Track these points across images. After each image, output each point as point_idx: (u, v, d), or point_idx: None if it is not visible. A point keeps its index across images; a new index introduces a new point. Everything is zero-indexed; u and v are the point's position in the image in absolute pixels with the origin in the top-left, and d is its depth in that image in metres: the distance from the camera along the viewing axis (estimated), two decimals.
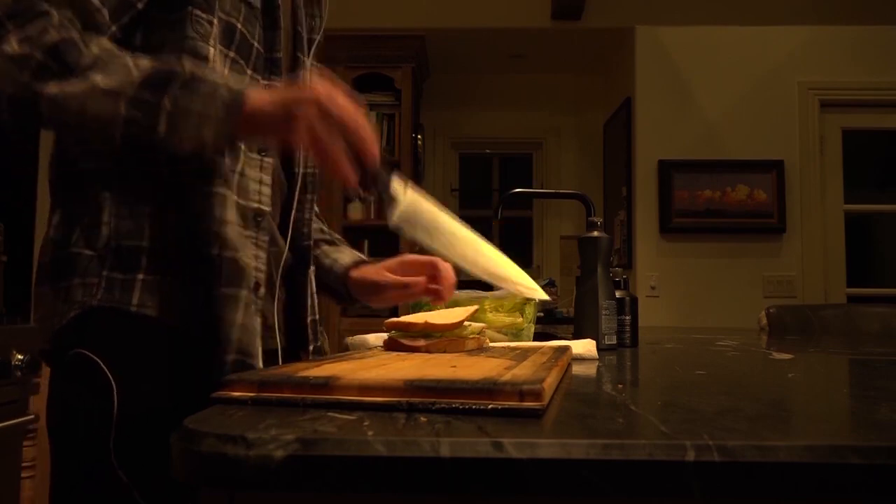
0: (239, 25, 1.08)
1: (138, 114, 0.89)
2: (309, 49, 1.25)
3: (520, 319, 1.43)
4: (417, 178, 5.23)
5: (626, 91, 4.86)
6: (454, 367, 0.82)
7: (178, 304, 0.99)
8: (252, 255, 1.06)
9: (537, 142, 5.91)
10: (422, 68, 5.24)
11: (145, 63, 0.92)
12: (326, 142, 0.93)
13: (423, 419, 0.60)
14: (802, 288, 4.49)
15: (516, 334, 1.42)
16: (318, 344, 1.24)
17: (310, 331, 1.22)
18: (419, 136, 5.11)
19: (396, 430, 0.56)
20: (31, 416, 2.78)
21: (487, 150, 5.94)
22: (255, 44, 1.11)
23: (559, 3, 4.57)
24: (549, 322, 4.41)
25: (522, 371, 0.77)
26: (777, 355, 1.51)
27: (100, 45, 0.92)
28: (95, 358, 0.96)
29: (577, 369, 1.08)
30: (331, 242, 1.39)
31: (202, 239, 1.00)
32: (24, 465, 2.77)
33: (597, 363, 1.19)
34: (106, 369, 0.96)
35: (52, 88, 0.88)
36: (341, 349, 1.37)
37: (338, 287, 1.32)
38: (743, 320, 4.00)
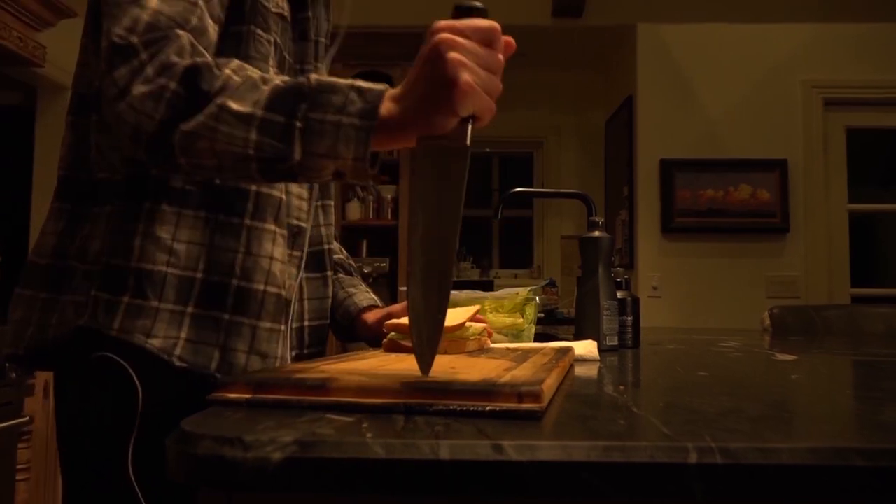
0: (279, 39, 1.10)
1: (272, 139, 0.83)
2: (325, 52, 1.25)
3: (520, 320, 1.43)
4: None
5: (627, 89, 4.87)
6: (453, 368, 0.82)
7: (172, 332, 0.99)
8: (290, 283, 1.10)
9: (538, 141, 5.91)
10: None
11: (274, 80, 0.86)
12: (494, 80, 0.81)
13: (422, 421, 0.60)
14: (806, 288, 4.49)
15: (517, 335, 1.42)
16: (304, 352, 1.22)
17: (294, 337, 1.19)
18: None
19: (395, 432, 0.56)
20: (26, 419, 2.78)
21: (487, 149, 5.94)
22: (288, 57, 1.12)
23: (560, 1, 4.57)
24: (549, 323, 4.41)
25: (522, 372, 0.77)
26: (780, 356, 1.51)
27: (231, 66, 0.87)
28: (121, 361, 0.96)
29: (578, 370, 1.08)
30: (348, 272, 1.40)
31: (243, 272, 1.03)
32: (18, 467, 2.76)
33: (598, 364, 1.19)
34: (133, 373, 0.96)
35: (187, 124, 0.84)
36: (339, 351, 1.37)
37: (344, 323, 1.33)
38: (746, 321, 4.00)
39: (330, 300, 1.27)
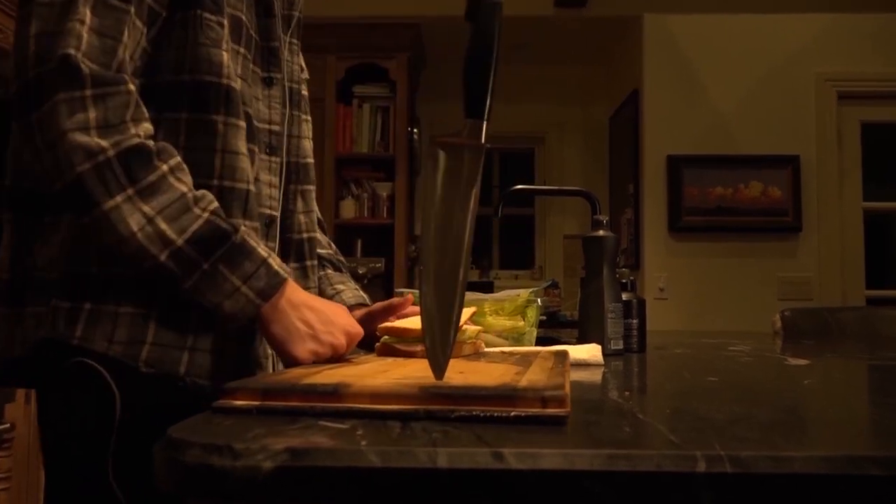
0: (243, 17, 1.09)
1: (175, 266, 0.93)
2: (288, 27, 1.23)
3: (521, 323, 1.43)
4: (414, 174, 5.23)
5: (633, 83, 4.87)
6: (462, 372, 0.82)
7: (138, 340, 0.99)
8: None
9: (539, 136, 5.91)
10: (418, 58, 5.24)
11: (201, 212, 0.95)
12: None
13: (418, 428, 0.60)
14: (819, 289, 4.49)
15: (517, 338, 1.42)
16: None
17: None
18: (415, 130, 5.10)
19: (391, 439, 0.56)
20: (7, 426, 2.78)
21: (487, 145, 5.92)
22: (254, 34, 1.12)
23: None
24: (551, 326, 4.41)
25: (536, 376, 0.77)
26: (792, 361, 1.52)
27: (169, 164, 0.95)
28: (98, 367, 0.96)
29: (581, 375, 1.08)
30: (336, 268, 1.41)
31: None
32: None
33: (602, 369, 1.19)
34: (110, 379, 0.96)
35: (111, 203, 0.90)
36: None
37: None
38: (756, 324, 4.00)
39: (312, 291, 1.26)
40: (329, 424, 0.61)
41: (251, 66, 1.11)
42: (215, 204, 0.98)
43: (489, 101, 0.81)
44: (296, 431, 0.58)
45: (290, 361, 1.00)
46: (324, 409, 0.65)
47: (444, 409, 0.63)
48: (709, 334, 2.66)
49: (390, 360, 1.01)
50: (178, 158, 0.96)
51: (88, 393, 0.97)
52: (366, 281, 4.85)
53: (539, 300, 1.49)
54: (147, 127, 0.95)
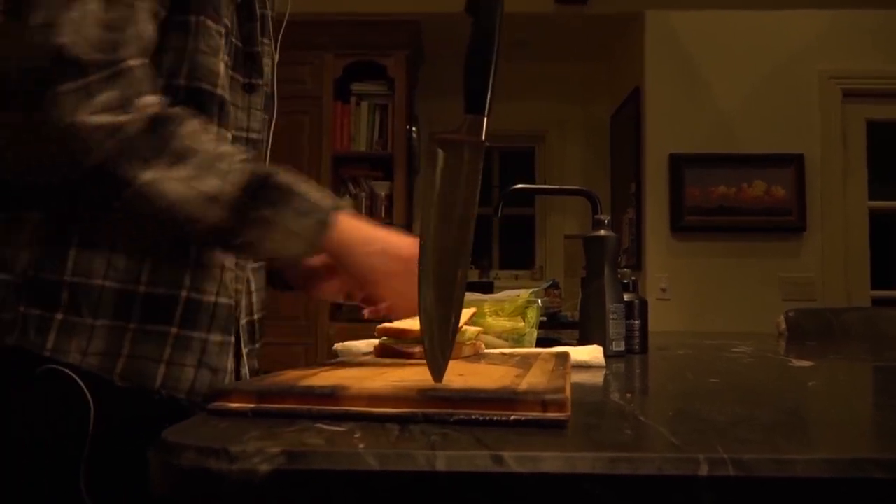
0: (228, 22, 1.07)
1: (226, 221, 0.91)
2: (263, 28, 1.20)
3: (521, 324, 1.43)
4: (412, 172, 5.23)
5: (634, 80, 4.87)
6: (461, 375, 0.82)
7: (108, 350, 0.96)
8: (238, 288, 1.10)
9: (540, 135, 5.91)
10: (417, 55, 5.24)
11: (240, 164, 0.93)
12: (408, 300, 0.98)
13: (417, 431, 0.60)
14: (823, 290, 4.49)
15: (518, 340, 1.42)
16: (256, 346, 1.20)
17: (245, 333, 1.17)
18: (414, 129, 5.10)
19: (389, 442, 0.56)
20: None
21: (487, 144, 5.93)
22: (235, 40, 1.11)
23: None
24: (552, 327, 4.41)
25: (536, 379, 0.77)
26: (796, 362, 1.52)
27: (190, 127, 0.92)
28: (71, 374, 0.93)
29: (582, 377, 1.08)
30: None
31: (193, 282, 1.01)
32: None
33: (604, 371, 1.19)
34: (84, 387, 0.93)
35: (147, 177, 0.87)
36: (330, 356, 1.37)
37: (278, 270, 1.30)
38: (759, 325, 4.01)
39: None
40: (326, 427, 0.61)
41: (230, 72, 1.09)
42: (244, 154, 0.96)
43: (490, 97, 0.81)
44: (292, 434, 0.58)
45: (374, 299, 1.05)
46: (321, 412, 0.65)
47: (442, 412, 0.63)
48: (711, 335, 2.66)
49: (387, 361, 1.01)
50: (198, 120, 0.94)
51: (60, 402, 0.94)
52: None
53: (539, 301, 1.49)
54: (160, 98, 0.92)
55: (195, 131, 0.92)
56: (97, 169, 0.86)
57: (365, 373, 0.84)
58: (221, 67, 1.03)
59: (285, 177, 0.95)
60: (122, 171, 0.86)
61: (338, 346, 1.31)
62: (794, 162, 4.52)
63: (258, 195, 0.92)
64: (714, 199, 4.53)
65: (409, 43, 4.92)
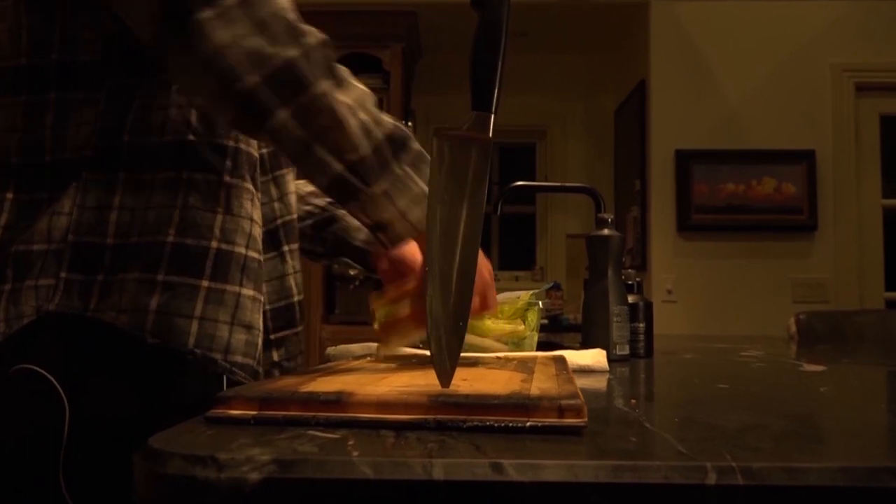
0: None
1: (373, 165, 0.91)
2: None
3: (521, 327, 1.43)
4: None
5: (639, 73, 4.87)
6: (465, 379, 0.82)
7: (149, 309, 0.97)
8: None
9: (541, 130, 5.92)
10: (413, 48, 5.24)
11: (380, 111, 0.95)
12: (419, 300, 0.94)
13: (413, 438, 0.60)
14: (835, 292, 4.50)
15: (517, 343, 1.42)
16: (271, 337, 1.21)
17: (297, 312, 1.21)
18: (410, 123, 5.11)
19: (384, 449, 0.56)
20: None
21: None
22: None
23: None
24: (554, 330, 4.41)
25: (545, 384, 0.77)
26: (807, 367, 1.52)
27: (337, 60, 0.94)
28: (45, 373, 0.93)
29: (585, 382, 1.08)
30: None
31: (223, 233, 1.02)
32: None
33: (607, 375, 1.20)
34: (59, 386, 0.93)
35: (322, 88, 0.88)
36: (322, 360, 1.37)
37: (355, 255, 1.35)
38: (769, 327, 4.01)
39: (292, 276, 1.25)
40: (319, 434, 0.61)
41: None
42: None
43: (497, 93, 0.81)
44: (284, 441, 0.58)
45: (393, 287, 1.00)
46: (327, 419, 0.65)
47: (455, 418, 0.63)
48: (719, 339, 2.66)
49: (383, 366, 1.01)
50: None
51: (35, 400, 0.94)
52: (358, 283, 4.85)
53: (540, 303, 1.49)
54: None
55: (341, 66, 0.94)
56: (283, 69, 0.87)
57: (365, 378, 0.84)
58: None
59: (418, 145, 0.96)
60: (304, 76, 0.87)
61: (331, 349, 1.31)
62: (806, 158, 4.52)
63: (400, 149, 0.94)
64: (722, 196, 4.54)
65: (405, 35, 4.92)
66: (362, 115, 0.91)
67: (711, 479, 0.51)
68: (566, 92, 5.80)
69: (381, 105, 0.95)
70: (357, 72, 1.40)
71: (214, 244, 1.01)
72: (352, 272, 1.20)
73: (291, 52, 0.88)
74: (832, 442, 0.71)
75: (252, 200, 1.08)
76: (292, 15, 0.92)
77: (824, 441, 0.71)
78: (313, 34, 0.92)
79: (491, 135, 0.81)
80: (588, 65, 5.77)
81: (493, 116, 0.81)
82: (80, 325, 0.95)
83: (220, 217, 1.02)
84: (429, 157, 0.93)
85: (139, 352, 0.96)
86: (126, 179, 0.98)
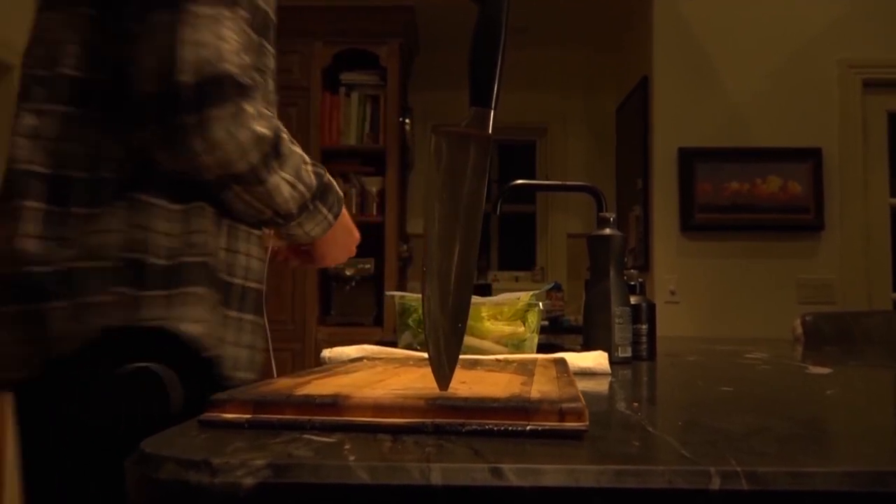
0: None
1: (297, 213, 1.20)
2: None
3: (521, 329, 1.43)
4: (405, 168, 5.23)
5: (641, 70, 4.87)
6: (464, 382, 0.82)
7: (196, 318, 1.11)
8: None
9: (541, 127, 5.91)
10: (410, 44, 5.24)
11: (312, 169, 1.22)
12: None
13: (410, 442, 0.60)
14: (842, 292, 4.50)
15: (517, 345, 1.42)
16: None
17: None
18: (407, 121, 5.11)
19: (381, 454, 0.56)
20: None
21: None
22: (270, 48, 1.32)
23: None
24: (554, 331, 4.41)
25: (545, 387, 0.77)
26: (813, 369, 1.52)
27: (288, 134, 1.17)
28: (156, 370, 1.06)
29: (586, 385, 1.08)
30: None
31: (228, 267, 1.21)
32: None
33: (609, 378, 1.20)
34: (165, 384, 1.06)
35: (273, 178, 1.12)
36: (317, 362, 1.37)
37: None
38: (774, 329, 4.02)
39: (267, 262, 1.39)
40: (315, 438, 0.61)
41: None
42: (309, 160, 1.22)
43: (497, 89, 0.81)
44: (279, 445, 0.58)
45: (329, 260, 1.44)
46: (323, 423, 0.65)
47: (453, 422, 0.63)
48: (723, 341, 2.66)
49: (380, 368, 1.01)
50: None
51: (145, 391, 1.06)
52: (354, 283, 4.85)
53: (540, 304, 1.49)
54: (271, 110, 1.19)
55: (290, 137, 1.17)
56: (249, 169, 1.07)
57: (361, 380, 0.84)
58: (271, 84, 1.28)
59: (329, 179, 1.27)
60: (261, 173, 1.09)
61: (326, 352, 1.31)
62: (812, 156, 4.52)
63: (318, 192, 1.22)
64: (726, 195, 4.54)
65: (403, 31, 4.92)
66: (299, 187, 1.17)
67: (715, 483, 0.52)
68: (567, 88, 5.80)
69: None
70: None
71: (238, 281, 1.21)
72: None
73: (258, 153, 1.08)
74: (838, 446, 0.71)
75: (248, 237, 1.26)
76: (261, 103, 1.10)
77: (830, 445, 0.71)
78: (272, 121, 1.12)
79: (490, 131, 0.81)
80: (589, 60, 5.77)
81: (492, 113, 0.81)
82: (145, 335, 1.07)
83: (222, 253, 1.19)
84: (341, 193, 1.32)
85: (190, 359, 1.10)
86: (169, 204, 1.11)
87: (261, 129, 1.06)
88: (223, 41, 1.02)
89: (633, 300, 1.53)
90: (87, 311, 1.04)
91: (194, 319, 1.09)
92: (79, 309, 1.04)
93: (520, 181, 2.00)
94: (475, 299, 1.47)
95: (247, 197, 1.11)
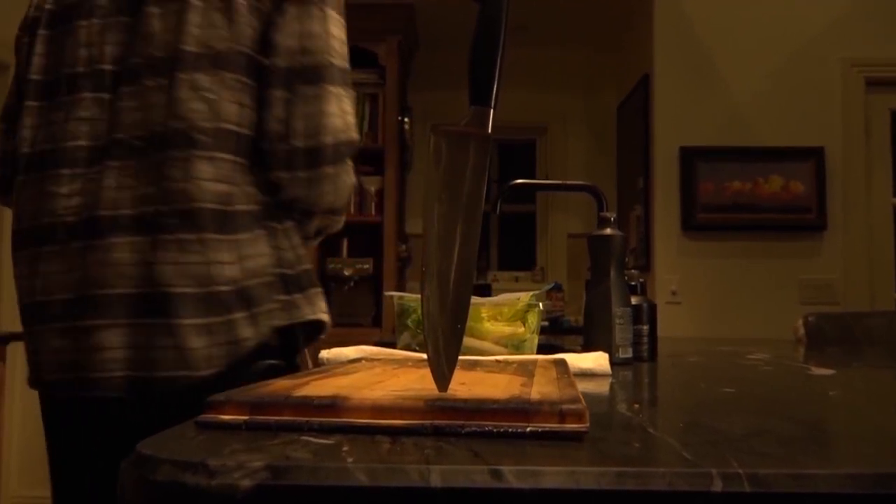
0: None
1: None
2: None
3: (521, 329, 1.43)
4: (404, 167, 5.23)
5: (642, 68, 4.87)
6: (463, 383, 0.82)
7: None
8: None
9: (541, 126, 5.92)
10: (410, 42, 5.24)
11: None
12: None
13: (409, 444, 0.60)
14: (845, 293, 4.50)
15: (517, 346, 1.42)
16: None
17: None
18: (406, 120, 5.11)
19: (380, 456, 0.56)
20: None
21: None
22: None
23: None
24: (554, 332, 4.41)
25: (545, 388, 0.77)
26: (816, 370, 1.52)
27: None
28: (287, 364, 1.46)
29: (587, 386, 1.08)
30: None
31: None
32: None
33: (609, 379, 1.20)
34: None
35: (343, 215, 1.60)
36: (316, 364, 1.37)
37: None
38: (776, 330, 4.02)
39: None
40: (313, 440, 0.61)
41: None
42: None
43: (497, 88, 0.82)
44: (276, 447, 0.58)
45: None
46: (321, 424, 0.65)
47: (452, 423, 0.63)
48: (725, 341, 2.66)
49: (378, 369, 1.01)
50: None
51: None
52: (352, 283, 4.85)
53: (541, 304, 1.49)
54: None
55: None
56: (343, 206, 1.52)
57: (360, 381, 0.84)
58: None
59: None
60: (343, 210, 1.55)
61: (324, 353, 1.31)
62: (814, 155, 4.52)
63: None
64: (728, 195, 4.54)
65: (402, 28, 4.92)
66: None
67: (717, 485, 0.52)
68: (567, 87, 5.80)
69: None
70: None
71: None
72: None
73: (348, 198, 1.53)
74: (841, 447, 0.71)
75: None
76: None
77: (833, 446, 0.71)
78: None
79: (490, 131, 0.81)
80: (590, 59, 5.77)
81: (492, 111, 0.81)
82: (301, 328, 1.47)
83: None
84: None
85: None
86: (282, 227, 1.46)
87: (354, 179, 1.50)
88: (347, 114, 1.43)
89: (633, 300, 1.53)
90: (260, 317, 1.38)
91: (323, 310, 1.50)
92: (255, 317, 1.38)
93: (520, 181, 2.00)
94: (475, 300, 1.47)
95: (326, 221, 1.54)
